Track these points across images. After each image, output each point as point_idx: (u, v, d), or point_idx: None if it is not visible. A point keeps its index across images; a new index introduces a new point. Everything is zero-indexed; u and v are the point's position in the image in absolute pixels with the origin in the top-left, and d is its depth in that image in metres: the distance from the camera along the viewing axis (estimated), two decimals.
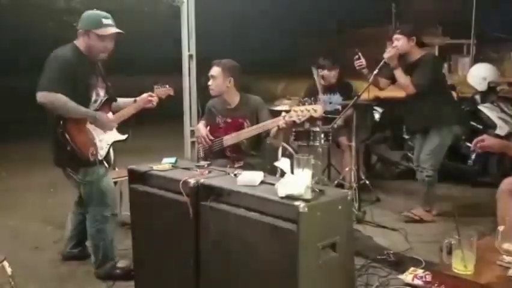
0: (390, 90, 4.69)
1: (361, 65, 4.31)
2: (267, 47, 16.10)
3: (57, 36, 4.57)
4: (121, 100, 3.55)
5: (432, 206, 4.41)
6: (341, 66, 5.18)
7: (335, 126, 4.79)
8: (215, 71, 3.67)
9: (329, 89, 5.04)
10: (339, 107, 5.02)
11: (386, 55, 4.18)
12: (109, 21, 3.25)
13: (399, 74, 4.20)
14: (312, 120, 3.89)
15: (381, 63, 4.21)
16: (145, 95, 3.60)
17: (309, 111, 3.23)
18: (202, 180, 2.61)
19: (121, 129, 3.47)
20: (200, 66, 5.02)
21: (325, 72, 5.10)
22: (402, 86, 4.23)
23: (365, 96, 4.65)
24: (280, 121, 3.39)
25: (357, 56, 4.30)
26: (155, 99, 3.60)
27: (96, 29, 3.20)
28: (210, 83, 3.69)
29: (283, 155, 4.39)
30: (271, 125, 3.50)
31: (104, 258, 3.41)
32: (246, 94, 3.88)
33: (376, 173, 5.93)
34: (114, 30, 3.23)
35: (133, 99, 3.60)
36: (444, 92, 4.41)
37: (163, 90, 3.71)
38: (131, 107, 3.52)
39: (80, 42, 3.25)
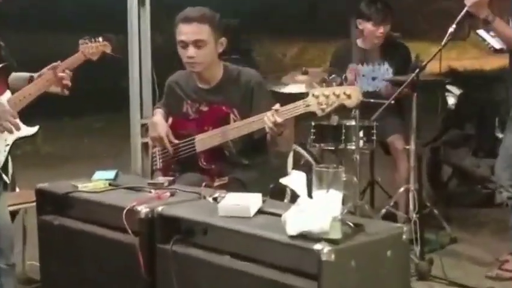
0: (476, 57, 4.71)
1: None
2: None
3: None
4: (13, 75, 3.58)
5: None
6: (392, 20, 5.20)
7: (382, 118, 4.80)
8: (200, 31, 3.63)
9: (371, 56, 5.01)
10: (389, 86, 4.96)
11: (468, 1, 4.19)
12: None
13: (500, 25, 4.21)
14: (342, 109, 3.90)
15: (462, 13, 4.22)
16: (47, 71, 3.61)
17: (338, 96, 3.19)
18: (160, 209, 2.63)
19: (26, 118, 3.49)
20: (155, 18, 5.01)
21: (368, 26, 5.11)
22: (508, 44, 4.25)
23: (432, 67, 4.66)
24: (266, 119, 3.41)
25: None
26: (66, 78, 3.60)
27: None
28: (192, 53, 3.69)
29: (295, 166, 4.40)
30: (255, 124, 3.56)
31: None
32: (234, 66, 3.87)
33: (450, 196, 5.93)
34: None
35: (27, 74, 3.63)
36: None
37: (94, 47, 3.75)
38: (26, 89, 3.55)
39: None
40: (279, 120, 3.30)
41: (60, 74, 3.61)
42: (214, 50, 3.70)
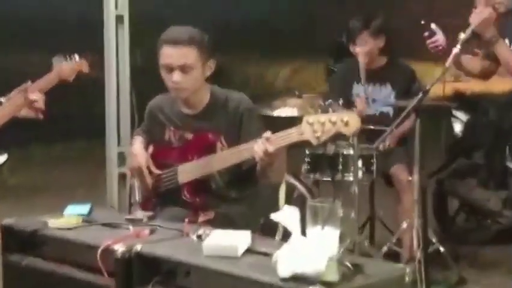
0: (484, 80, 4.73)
1: (437, 45, 4.37)
2: (261, 7, 16.32)
3: None
4: None
5: None
6: (390, 35, 5.23)
7: (383, 146, 4.83)
8: (188, 55, 3.63)
9: (372, 76, 5.05)
10: (390, 110, 4.97)
11: (474, 19, 4.23)
12: None
13: (503, 49, 4.25)
14: (340, 137, 3.90)
15: (467, 32, 4.26)
16: (16, 94, 3.58)
17: (334, 124, 3.20)
18: (138, 248, 2.61)
19: None
20: (135, 35, 5.03)
21: (353, 47, 5.15)
22: (508, 68, 4.27)
23: (437, 91, 4.68)
24: (257, 147, 3.40)
25: (428, 32, 4.35)
26: (40, 102, 3.57)
27: None
28: (178, 78, 3.68)
29: (287, 200, 4.38)
30: (244, 153, 3.55)
31: None
32: (221, 89, 3.89)
33: (458, 232, 5.93)
34: None
35: None
36: None
37: (70, 66, 3.73)
38: None
39: None
40: (271, 149, 3.29)
41: (32, 97, 3.58)
42: (201, 74, 3.72)
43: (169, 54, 3.65)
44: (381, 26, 5.13)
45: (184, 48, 3.64)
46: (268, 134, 3.33)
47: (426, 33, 4.39)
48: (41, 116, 3.64)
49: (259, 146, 3.32)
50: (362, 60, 5.08)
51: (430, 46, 4.41)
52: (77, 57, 3.79)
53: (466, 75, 4.57)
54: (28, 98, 3.58)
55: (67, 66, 3.74)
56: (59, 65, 3.74)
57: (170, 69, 3.64)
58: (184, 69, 3.64)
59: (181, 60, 3.63)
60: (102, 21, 5.14)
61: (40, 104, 3.61)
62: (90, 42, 5.21)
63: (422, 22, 4.38)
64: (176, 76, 3.63)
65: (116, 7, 5.14)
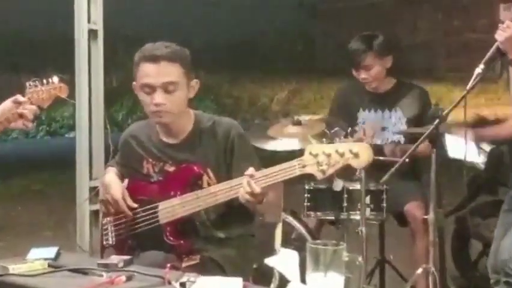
0: (509, 103, 4.74)
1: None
2: (255, 24, 16.39)
3: None
4: None
5: None
6: (396, 53, 5.23)
7: (395, 180, 4.82)
8: (171, 71, 3.61)
9: (379, 101, 5.10)
10: (401, 139, 4.99)
11: (501, 35, 4.26)
12: None
13: None
14: (346, 170, 3.87)
15: (492, 49, 4.28)
16: (7, 103, 3.62)
17: (342, 155, 3.20)
18: None
19: None
20: (110, 53, 5.05)
21: (363, 73, 5.16)
22: None
23: (455, 116, 4.68)
24: (243, 188, 3.39)
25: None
26: (29, 110, 3.60)
27: None
28: (160, 99, 3.65)
29: (284, 242, 4.37)
30: (236, 188, 3.48)
31: None
32: (207, 114, 3.91)
33: (481, 279, 5.88)
34: None
35: None
36: None
37: (46, 91, 3.72)
38: None
39: None
40: (257, 190, 3.31)
41: (20, 100, 3.60)
42: (185, 95, 3.72)
43: (148, 72, 3.65)
44: (386, 44, 5.17)
45: (166, 64, 3.64)
46: (251, 170, 3.34)
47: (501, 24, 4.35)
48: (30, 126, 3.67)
49: (245, 188, 3.33)
50: (369, 86, 5.13)
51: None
52: (56, 79, 3.77)
53: None
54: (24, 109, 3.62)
55: (42, 92, 3.73)
56: (33, 90, 3.73)
57: (151, 89, 3.64)
58: (167, 88, 3.63)
59: (164, 78, 3.62)
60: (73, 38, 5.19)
61: (28, 116, 3.64)
62: (61, 61, 5.25)
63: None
64: (159, 97, 3.62)
65: (89, 20, 5.19)
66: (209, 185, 3.67)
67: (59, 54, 5.90)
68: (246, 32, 15.94)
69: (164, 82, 3.61)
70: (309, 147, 3.25)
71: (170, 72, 3.64)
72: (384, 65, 5.12)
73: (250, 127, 4.54)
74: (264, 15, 16.80)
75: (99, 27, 5.22)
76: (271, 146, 4.77)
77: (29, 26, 13.72)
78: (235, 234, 3.78)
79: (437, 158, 4.55)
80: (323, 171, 3.19)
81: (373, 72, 5.09)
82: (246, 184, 3.32)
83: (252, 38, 16.12)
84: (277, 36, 16.44)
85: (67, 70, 5.07)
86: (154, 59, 3.63)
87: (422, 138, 4.46)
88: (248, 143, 3.85)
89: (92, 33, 5.20)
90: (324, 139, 3.32)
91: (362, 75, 5.10)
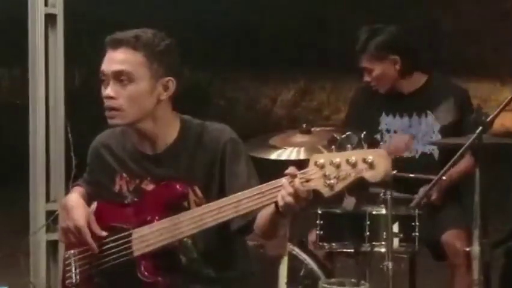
0: None
1: None
2: (254, 5, 16.44)
3: None
4: None
5: None
6: (407, 51, 5.25)
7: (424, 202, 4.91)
8: (126, 59, 3.64)
9: (404, 104, 5.24)
10: (435, 150, 5.12)
11: None
12: None
13: None
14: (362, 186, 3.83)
15: None
16: None
17: (354, 166, 3.17)
18: None
19: None
20: (72, 44, 5.13)
21: (365, 74, 5.20)
22: None
23: (505, 122, 4.70)
24: (283, 189, 3.31)
25: None
26: None
27: None
28: (108, 91, 3.66)
29: (291, 280, 4.43)
30: (230, 209, 3.47)
31: None
32: (197, 120, 3.95)
33: None
34: None
35: None
36: None
37: None
38: None
39: None
40: (302, 189, 3.26)
41: None
42: (148, 91, 3.71)
43: (106, 60, 3.72)
44: (386, 44, 5.26)
45: (124, 50, 3.68)
46: (292, 169, 3.31)
47: None
48: None
49: (286, 187, 3.27)
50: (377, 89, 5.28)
51: None
52: None
53: None
54: None
55: None
56: None
57: (106, 79, 3.70)
58: (119, 78, 3.66)
59: (116, 66, 3.66)
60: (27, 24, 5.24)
61: None
62: (11, 52, 5.29)
63: None
64: (109, 89, 3.67)
65: (46, 3, 5.25)
66: (197, 205, 3.69)
67: (7, 44, 5.91)
68: (243, 16, 15.90)
69: (114, 70, 3.66)
70: (314, 156, 3.24)
71: (126, 59, 3.68)
72: (387, 68, 5.23)
73: (248, 138, 4.53)
74: None
75: (59, 10, 5.26)
76: (275, 155, 4.82)
77: None
78: (228, 271, 3.83)
79: (481, 176, 4.61)
80: (331, 187, 3.17)
81: (375, 75, 5.20)
82: (288, 184, 3.27)
83: (250, 24, 16.08)
84: (281, 21, 16.41)
85: (17, 64, 5.11)
86: (115, 43, 3.70)
87: (460, 150, 4.52)
88: (243, 152, 3.85)
89: (50, 19, 5.27)
90: (333, 146, 3.27)
91: (365, 77, 5.19)
